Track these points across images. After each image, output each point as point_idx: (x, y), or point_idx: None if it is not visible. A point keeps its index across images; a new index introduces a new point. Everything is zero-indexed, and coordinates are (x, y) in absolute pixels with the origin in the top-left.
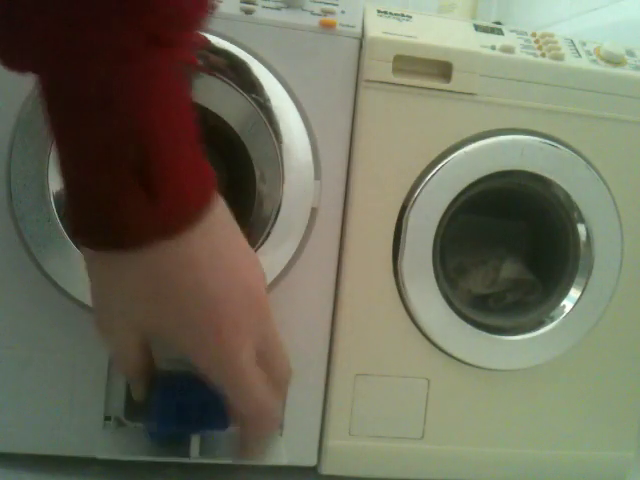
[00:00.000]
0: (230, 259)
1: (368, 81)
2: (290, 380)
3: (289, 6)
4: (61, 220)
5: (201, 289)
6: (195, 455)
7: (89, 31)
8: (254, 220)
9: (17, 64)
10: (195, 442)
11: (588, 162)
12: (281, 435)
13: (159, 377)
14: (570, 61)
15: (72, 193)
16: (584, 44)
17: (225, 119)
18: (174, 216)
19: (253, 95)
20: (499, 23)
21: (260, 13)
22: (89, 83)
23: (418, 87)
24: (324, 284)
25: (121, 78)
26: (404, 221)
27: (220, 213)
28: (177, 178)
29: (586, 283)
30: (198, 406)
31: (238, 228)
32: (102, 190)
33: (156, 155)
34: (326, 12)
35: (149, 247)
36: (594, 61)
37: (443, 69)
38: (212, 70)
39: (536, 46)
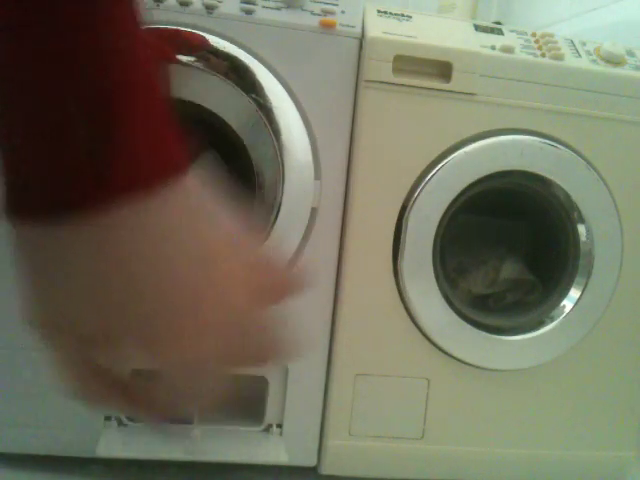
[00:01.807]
0: (187, 236)
1: (368, 81)
2: (296, 284)
3: (289, 6)
4: None
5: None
6: (195, 453)
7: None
8: (254, 220)
9: None
10: (195, 440)
11: (588, 162)
12: (281, 435)
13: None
14: (570, 61)
15: (10, 160)
16: (584, 44)
17: (225, 119)
18: (131, 177)
19: (253, 95)
20: (499, 23)
21: (260, 13)
22: (41, 43)
23: (418, 87)
24: (324, 284)
25: (78, 34)
26: (404, 221)
27: (187, 191)
28: (131, 140)
29: (586, 283)
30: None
31: (211, 211)
32: (49, 156)
33: (116, 114)
34: (326, 12)
35: (97, 210)
36: (594, 61)
37: (443, 69)
38: (212, 70)
39: (536, 46)
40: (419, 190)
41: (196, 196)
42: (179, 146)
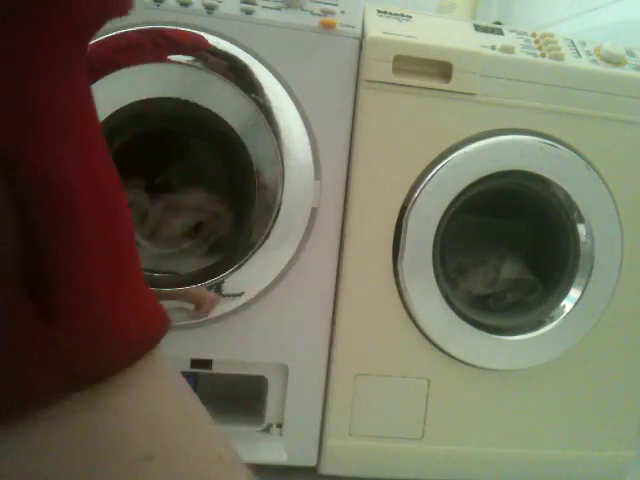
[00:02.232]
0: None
1: (368, 81)
2: None
3: (289, 6)
4: None
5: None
6: None
7: None
8: (254, 220)
9: None
10: None
11: (588, 162)
12: (281, 435)
13: None
14: (570, 61)
15: None
16: (584, 44)
17: (225, 119)
18: (85, 357)
19: (253, 95)
20: (499, 23)
21: (260, 13)
22: None
23: (418, 87)
24: (324, 284)
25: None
26: (404, 221)
27: (158, 365)
28: (89, 299)
29: (586, 283)
30: None
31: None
32: None
33: (55, 266)
34: (326, 12)
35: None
36: (594, 61)
37: (443, 69)
38: (212, 70)
39: (536, 46)
40: (419, 190)
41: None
42: (149, 297)
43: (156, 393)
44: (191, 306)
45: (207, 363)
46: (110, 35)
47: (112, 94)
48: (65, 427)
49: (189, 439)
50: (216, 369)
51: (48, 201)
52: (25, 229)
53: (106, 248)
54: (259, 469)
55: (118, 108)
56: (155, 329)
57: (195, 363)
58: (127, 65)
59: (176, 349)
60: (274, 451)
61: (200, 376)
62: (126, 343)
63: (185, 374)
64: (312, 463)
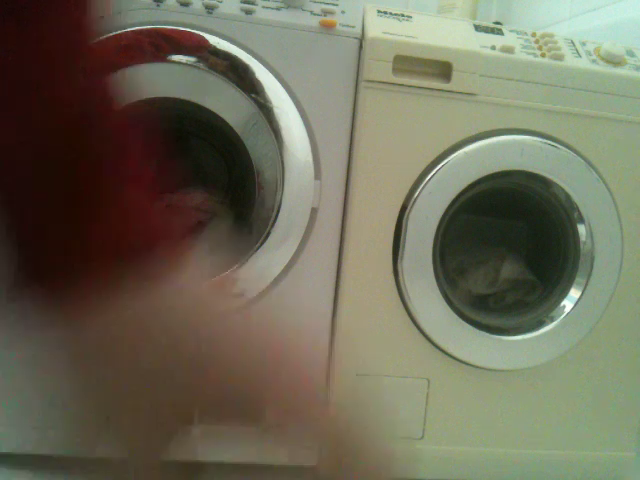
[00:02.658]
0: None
1: (368, 81)
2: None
3: (289, 6)
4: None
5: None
6: (195, 453)
7: None
8: (254, 220)
9: None
10: (195, 439)
11: (588, 162)
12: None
13: None
14: (570, 61)
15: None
16: (584, 44)
17: (225, 119)
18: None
19: (253, 95)
20: (499, 23)
21: (260, 13)
22: None
23: (418, 87)
24: (324, 284)
25: None
26: (404, 221)
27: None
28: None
29: (586, 283)
30: None
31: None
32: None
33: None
34: (326, 12)
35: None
36: (594, 61)
37: (443, 69)
38: (212, 71)
39: (536, 46)
40: (419, 190)
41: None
42: (163, 216)
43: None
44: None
45: None
46: (110, 35)
47: None
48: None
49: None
50: None
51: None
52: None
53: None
54: (259, 469)
55: None
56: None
57: None
58: (127, 65)
59: None
60: (274, 451)
61: None
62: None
63: None
64: (312, 463)
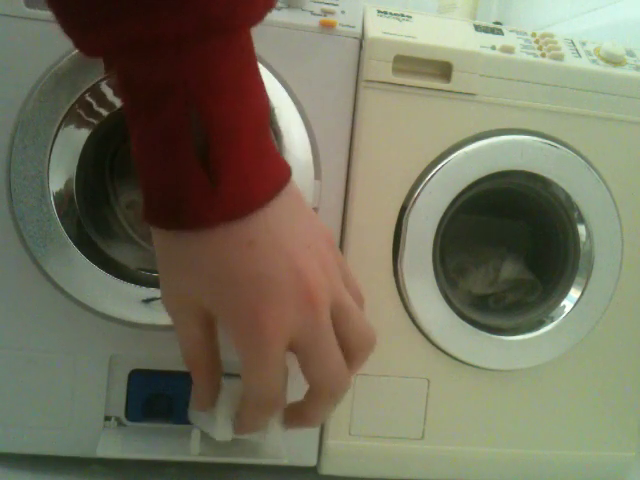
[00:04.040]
0: (290, 243)
1: (368, 81)
2: (369, 349)
3: (289, 6)
4: (61, 220)
5: (258, 272)
6: (195, 453)
7: (151, 19)
8: None
9: (93, 51)
10: (195, 440)
11: (588, 162)
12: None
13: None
14: (570, 61)
15: (142, 176)
16: (584, 44)
17: None
18: (235, 201)
19: None
20: (499, 23)
21: None
22: (154, 69)
23: (418, 87)
24: None
25: (184, 64)
26: (404, 221)
27: (287, 201)
28: (240, 165)
29: (586, 283)
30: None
31: (309, 214)
32: (167, 173)
33: (219, 142)
34: (326, 12)
35: (210, 228)
36: (594, 61)
37: (443, 69)
38: None
39: (536, 46)
40: (419, 190)
41: (298, 201)
42: (279, 156)
43: (285, 220)
44: None
45: None
46: None
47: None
48: (239, 233)
49: (289, 232)
50: None
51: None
52: (205, 127)
53: (254, 142)
54: (259, 469)
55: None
56: (285, 174)
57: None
58: None
59: (176, 350)
60: (274, 451)
61: None
62: (257, 198)
63: (183, 374)
64: (312, 463)
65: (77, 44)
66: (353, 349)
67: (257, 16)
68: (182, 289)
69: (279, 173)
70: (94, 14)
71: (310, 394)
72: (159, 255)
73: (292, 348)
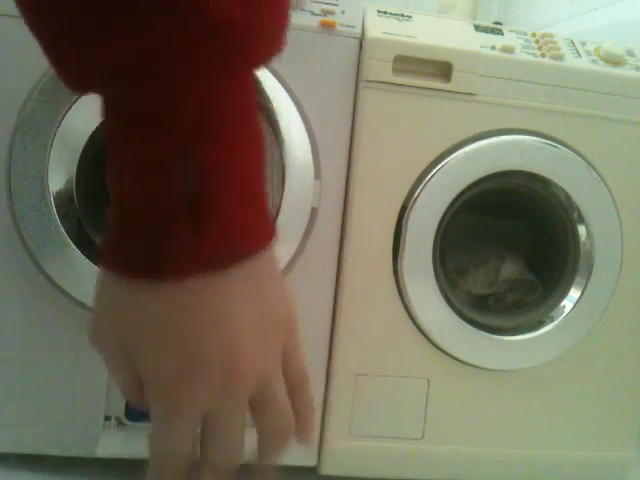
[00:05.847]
0: (239, 325)
1: (368, 81)
2: (281, 440)
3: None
4: (61, 220)
5: (192, 343)
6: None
7: (152, 55)
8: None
9: (80, 85)
10: None
11: (588, 162)
12: None
13: None
14: (570, 61)
15: (117, 214)
16: (584, 44)
17: None
18: (216, 253)
19: None
20: (499, 23)
21: None
22: (149, 104)
23: (418, 87)
24: (324, 284)
25: (182, 103)
26: (404, 221)
27: (260, 266)
28: (228, 215)
29: (586, 283)
30: None
31: (275, 285)
32: (148, 214)
33: (210, 187)
34: (326, 12)
35: (180, 280)
36: (594, 61)
37: (443, 69)
38: None
39: (536, 46)
40: (419, 190)
41: (275, 267)
42: (268, 216)
43: (258, 283)
44: None
45: None
46: None
47: None
48: (195, 293)
49: (244, 309)
50: None
51: (212, 165)
52: (197, 171)
53: (245, 184)
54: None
55: None
56: (268, 238)
57: None
58: None
59: None
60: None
61: None
62: (245, 247)
63: None
64: (312, 463)
65: (60, 75)
66: (265, 438)
67: (266, 57)
68: (114, 333)
69: (265, 231)
70: (90, 48)
71: (206, 464)
72: (99, 294)
73: (203, 417)
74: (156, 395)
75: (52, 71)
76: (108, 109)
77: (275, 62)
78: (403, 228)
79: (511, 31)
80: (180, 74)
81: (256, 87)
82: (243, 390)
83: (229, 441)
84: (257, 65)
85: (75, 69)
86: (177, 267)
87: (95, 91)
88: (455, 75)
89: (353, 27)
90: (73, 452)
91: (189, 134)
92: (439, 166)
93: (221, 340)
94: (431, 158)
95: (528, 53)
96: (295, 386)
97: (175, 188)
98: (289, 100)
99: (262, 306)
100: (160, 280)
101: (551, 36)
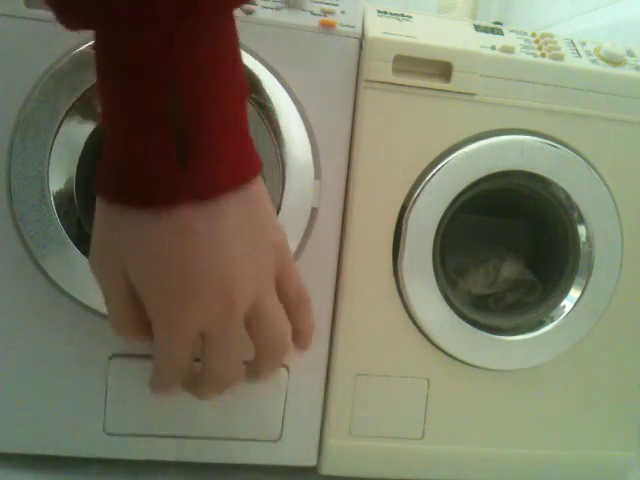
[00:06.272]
0: (232, 247)
1: (368, 81)
2: (278, 354)
3: (289, 6)
4: (61, 220)
5: (190, 266)
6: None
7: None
8: None
9: (73, 23)
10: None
11: (588, 162)
12: (281, 435)
13: None
14: (570, 61)
15: (109, 147)
16: (584, 44)
17: None
18: (204, 185)
19: (253, 95)
20: (499, 23)
21: (260, 13)
22: (134, 46)
23: (418, 87)
24: (324, 284)
25: (173, 42)
26: (404, 221)
27: (248, 195)
28: (213, 149)
29: (586, 283)
30: None
31: (266, 213)
32: (139, 149)
33: (196, 122)
34: (326, 12)
35: (172, 209)
36: (594, 61)
37: (443, 69)
38: None
39: (536, 46)
40: (419, 190)
41: (263, 197)
42: (253, 149)
43: (245, 213)
44: None
45: None
46: None
47: None
48: (189, 220)
49: (236, 233)
50: None
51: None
52: (184, 112)
53: (228, 119)
54: (259, 469)
55: None
56: (254, 169)
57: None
58: None
59: None
60: (274, 451)
61: None
62: (231, 178)
63: None
64: (312, 463)
65: (58, 16)
66: (261, 351)
67: None
68: (115, 261)
69: (250, 164)
70: None
71: (202, 378)
72: (99, 225)
73: (201, 336)
74: (157, 314)
75: (52, 70)
76: (100, 51)
77: (275, 62)
78: (403, 228)
79: (511, 31)
80: (168, 17)
81: (255, 86)
82: (239, 308)
83: (227, 357)
84: (237, 4)
85: (67, 11)
86: (169, 196)
87: (85, 29)
88: (455, 75)
89: (353, 27)
90: (73, 452)
91: (176, 71)
92: (439, 166)
93: (216, 261)
94: (431, 158)
95: (528, 53)
96: (294, 305)
97: (162, 123)
98: (289, 100)
99: (253, 230)
100: (155, 209)
101: (551, 36)
